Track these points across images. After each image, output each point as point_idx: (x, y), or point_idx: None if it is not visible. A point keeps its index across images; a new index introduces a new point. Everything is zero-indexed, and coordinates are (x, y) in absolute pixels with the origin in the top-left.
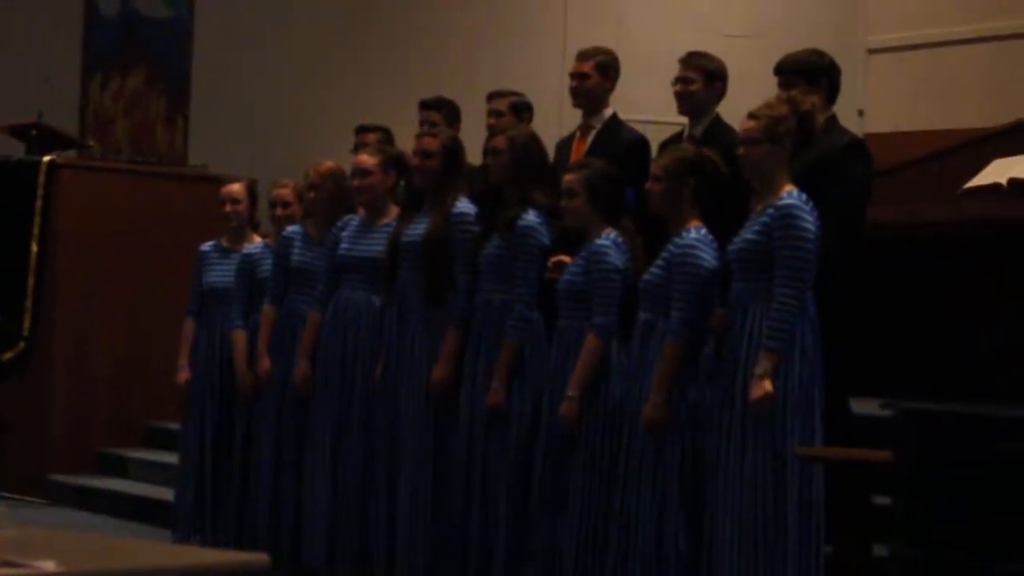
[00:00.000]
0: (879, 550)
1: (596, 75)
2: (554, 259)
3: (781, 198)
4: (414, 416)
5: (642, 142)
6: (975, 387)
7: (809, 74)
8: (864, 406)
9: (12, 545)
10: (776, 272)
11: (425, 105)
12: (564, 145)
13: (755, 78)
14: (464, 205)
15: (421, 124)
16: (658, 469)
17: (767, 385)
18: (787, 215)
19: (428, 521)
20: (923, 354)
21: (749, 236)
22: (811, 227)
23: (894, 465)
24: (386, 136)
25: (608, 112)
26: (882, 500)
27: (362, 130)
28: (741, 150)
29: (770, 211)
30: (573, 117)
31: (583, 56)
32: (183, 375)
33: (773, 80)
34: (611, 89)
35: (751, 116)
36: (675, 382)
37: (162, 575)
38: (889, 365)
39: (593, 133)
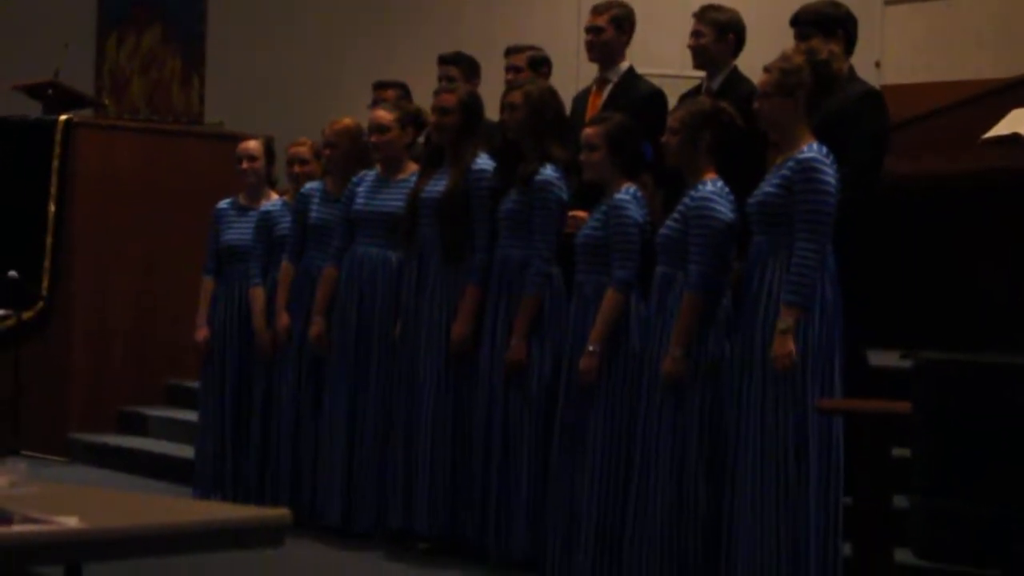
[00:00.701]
0: (899, 501)
1: (611, 28)
2: (570, 214)
3: (802, 151)
4: (433, 372)
5: (659, 95)
6: (993, 337)
7: (825, 25)
8: (881, 358)
9: (36, 502)
10: (796, 226)
11: (443, 60)
12: (580, 99)
13: (773, 29)
14: (483, 161)
15: (439, 79)
16: (678, 421)
17: (789, 342)
18: (808, 168)
19: (448, 478)
20: (940, 305)
21: (769, 189)
22: (831, 180)
23: (913, 416)
24: (404, 92)
25: (624, 65)
26: (901, 452)
27: (380, 86)
28: (756, 104)
29: (791, 164)
30: (590, 71)
31: (598, 10)
32: (202, 333)
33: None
34: (627, 42)
35: (765, 69)
36: (694, 335)
37: (184, 530)
38: (906, 317)
39: (609, 87)
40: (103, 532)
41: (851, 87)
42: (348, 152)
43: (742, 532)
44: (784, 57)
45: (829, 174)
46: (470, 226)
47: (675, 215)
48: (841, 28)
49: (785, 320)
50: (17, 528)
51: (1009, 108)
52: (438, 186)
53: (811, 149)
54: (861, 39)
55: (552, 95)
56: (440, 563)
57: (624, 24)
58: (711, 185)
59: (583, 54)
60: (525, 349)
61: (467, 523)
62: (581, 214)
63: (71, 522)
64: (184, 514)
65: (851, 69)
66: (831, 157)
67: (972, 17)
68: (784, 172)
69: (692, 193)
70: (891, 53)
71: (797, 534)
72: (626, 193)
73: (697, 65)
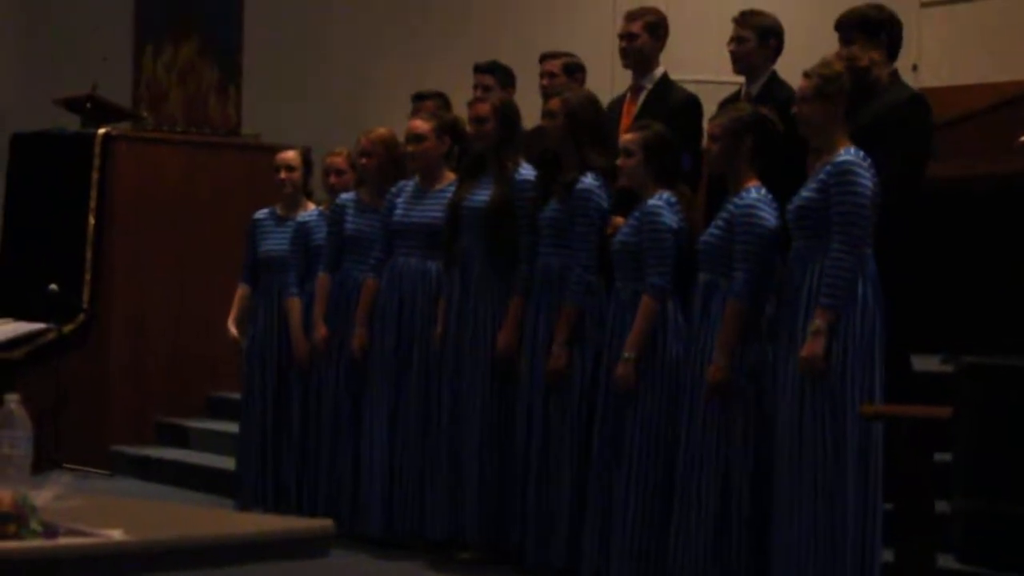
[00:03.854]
0: (940, 506)
1: (645, 35)
2: (613, 220)
3: (839, 155)
4: (478, 382)
5: (693, 101)
6: None
7: (868, 28)
8: (924, 363)
9: (80, 515)
10: (832, 229)
11: (479, 69)
12: (615, 106)
13: (814, 34)
14: (526, 171)
15: (475, 88)
16: (721, 431)
17: (819, 344)
18: (844, 171)
19: (491, 487)
20: (983, 309)
21: (807, 194)
22: (868, 183)
23: (955, 421)
24: (443, 102)
25: (659, 72)
26: (941, 456)
27: (419, 97)
28: (795, 109)
29: (828, 168)
30: (626, 78)
31: (631, 16)
32: (233, 334)
33: (832, 35)
34: (660, 48)
35: (805, 75)
36: (739, 342)
37: (228, 542)
38: (949, 321)
39: (644, 93)
40: (148, 544)
41: (895, 91)
42: (383, 162)
43: (780, 536)
44: (824, 63)
45: (866, 177)
46: (515, 236)
47: (718, 222)
48: (884, 32)
49: (816, 322)
50: (63, 541)
51: None
52: (480, 196)
53: (847, 153)
54: None
55: (591, 102)
56: (482, 572)
57: (658, 30)
58: (755, 192)
59: (618, 60)
60: (566, 357)
61: (509, 532)
62: (620, 220)
63: (116, 535)
64: (228, 526)
65: (895, 73)
66: (868, 161)
67: (1008, 18)
68: (821, 176)
69: (736, 200)
70: (928, 56)
71: (835, 538)
72: (659, 199)
73: (738, 70)
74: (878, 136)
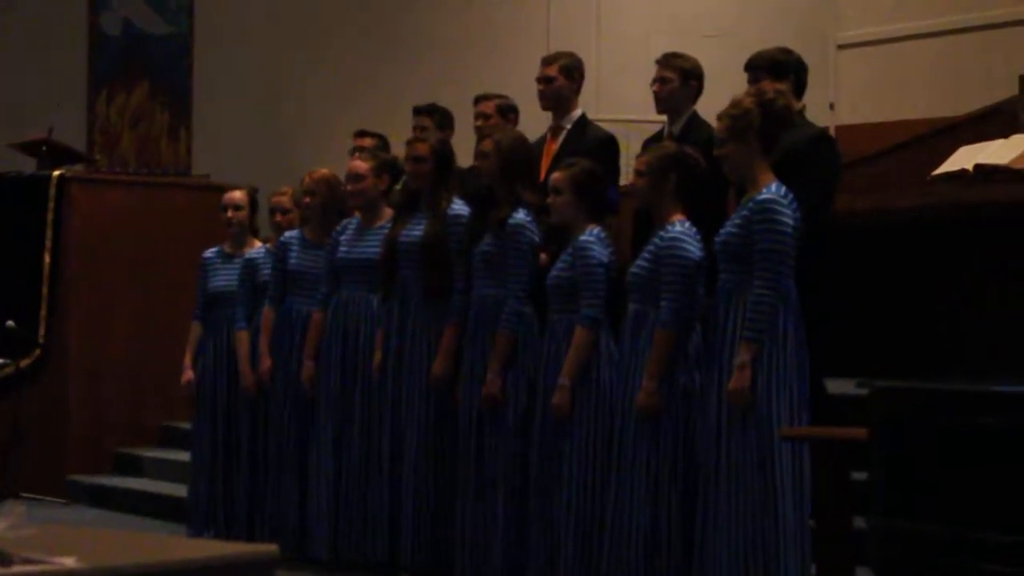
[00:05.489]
0: (858, 523)
1: (561, 77)
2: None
3: (760, 192)
4: (415, 409)
5: (610, 140)
6: (946, 365)
7: (776, 70)
8: (840, 387)
9: (33, 543)
10: (755, 264)
11: (418, 111)
12: (536, 146)
13: (731, 75)
14: (459, 207)
15: (414, 130)
16: (651, 453)
17: (745, 377)
18: (764, 209)
19: (430, 510)
20: (897, 335)
21: (731, 229)
22: (788, 220)
23: (869, 441)
24: (382, 142)
25: (577, 113)
26: (859, 475)
27: (360, 134)
28: (715, 152)
29: (750, 205)
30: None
31: (548, 60)
32: (187, 375)
33: (745, 77)
34: (577, 90)
35: (718, 118)
36: (666, 369)
37: (174, 568)
38: (864, 346)
39: (563, 133)
40: (100, 571)
41: (802, 130)
42: (326, 200)
43: (711, 556)
44: (734, 103)
45: (786, 214)
46: (449, 269)
47: (645, 254)
48: (792, 73)
49: (741, 355)
50: (16, 570)
51: (958, 145)
52: (415, 231)
53: (769, 190)
54: (817, 81)
55: (522, 143)
56: None
57: (573, 73)
58: (679, 226)
59: None
60: (500, 384)
61: (445, 555)
62: (547, 257)
63: (69, 562)
64: (175, 552)
65: (802, 113)
66: (789, 197)
67: (921, 59)
68: (744, 212)
69: (662, 234)
70: (845, 95)
71: (766, 557)
72: (590, 235)
73: (660, 110)
74: (788, 171)
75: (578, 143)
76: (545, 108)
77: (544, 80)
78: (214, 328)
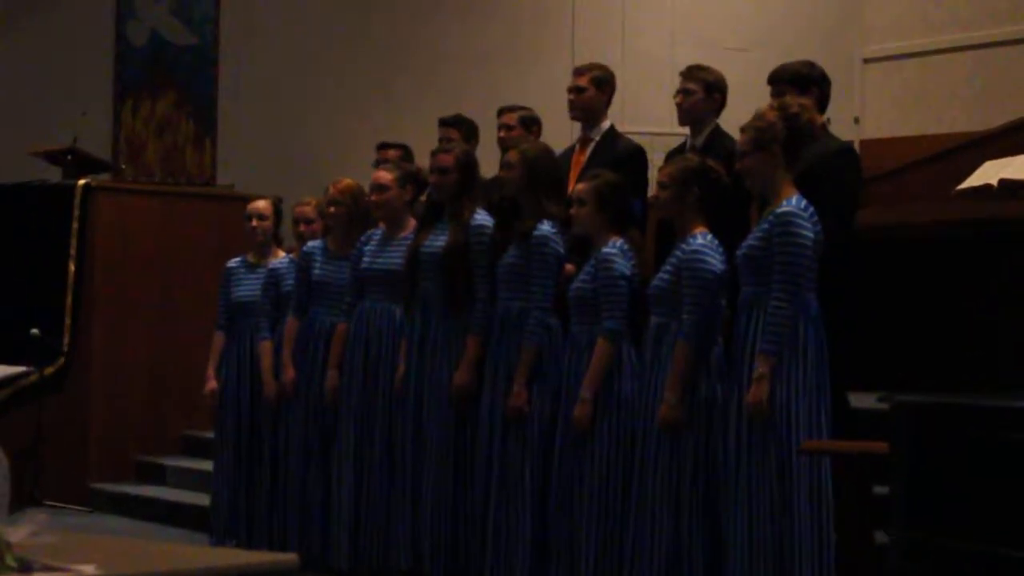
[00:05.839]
0: (880, 538)
1: (592, 88)
2: (565, 268)
3: (781, 205)
4: (437, 421)
5: (638, 152)
6: (969, 379)
7: (800, 84)
8: (861, 400)
9: (54, 550)
10: (773, 277)
11: (444, 123)
12: (565, 157)
13: (755, 89)
14: (482, 217)
15: (440, 141)
16: (672, 466)
17: (763, 389)
18: (784, 223)
19: (451, 520)
20: (919, 349)
21: (752, 242)
22: (808, 233)
23: (890, 455)
24: (406, 153)
25: (606, 124)
26: (881, 489)
27: (383, 147)
28: (737, 164)
29: (771, 218)
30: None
31: (579, 71)
32: (211, 385)
33: (769, 91)
34: (608, 102)
35: (742, 130)
36: (688, 381)
37: None
38: (887, 360)
39: (592, 145)
40: None
41: (826, 143)
42: (350, 211)
43: (734, 567)
44: (758, 116)
45: (806, 227)
46: (471, 279)
47: (667, 267)
48: (815, 86)
49: (759, 368)
50: None
51: (983, 160)
52: (437, 241)
53: (789, 203)
54: (841, 96)
55: (547, 154)
56: None
57: (604, 85)
58: (701, 238)
59: None
60: (525, 396)
61: (468, 564)
62: (572, 268)
63: (89, 570)
64: (196, 560)
65: (825, 127)
66: (810, 210)
67: (947, 73)
68: (765, 225)
69: (683, 246)
70: (870, 109)
71: (786, 573)
72: (613, 247)
73: (683, 122)
74: (811, 185)
75: (607, 155)
76: (575, 118)
77: (575, 90)
78: (237, 338)
